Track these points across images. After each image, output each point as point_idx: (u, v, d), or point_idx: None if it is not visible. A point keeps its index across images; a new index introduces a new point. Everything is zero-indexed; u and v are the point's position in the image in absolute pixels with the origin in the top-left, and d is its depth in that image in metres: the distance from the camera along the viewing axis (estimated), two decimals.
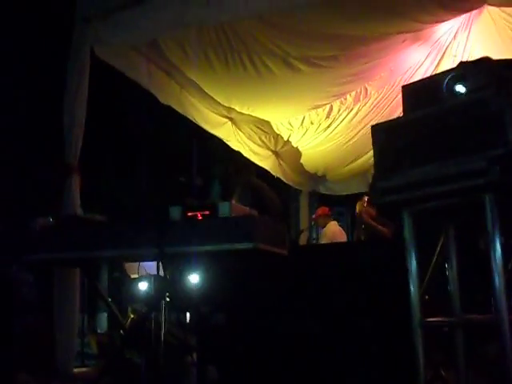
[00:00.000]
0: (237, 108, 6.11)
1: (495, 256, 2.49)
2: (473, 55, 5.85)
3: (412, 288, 2.81)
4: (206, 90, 5.63)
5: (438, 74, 3.04)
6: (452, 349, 3.06)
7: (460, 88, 2.80)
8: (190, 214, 3.07)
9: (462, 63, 2.97)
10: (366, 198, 6.84)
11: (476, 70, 2.77)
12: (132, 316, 5.56)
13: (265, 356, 3.80)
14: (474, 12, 5.30)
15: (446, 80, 2.85)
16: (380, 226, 6.53)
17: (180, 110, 5.58)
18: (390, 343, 3.73)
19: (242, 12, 3.98)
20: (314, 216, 8.15)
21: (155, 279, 5.41)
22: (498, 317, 2.45)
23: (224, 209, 2.98)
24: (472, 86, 2.74)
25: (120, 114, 8.02)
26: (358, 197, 8.63)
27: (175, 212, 3.10)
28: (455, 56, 5.97)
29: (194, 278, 4.72)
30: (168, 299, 4.60)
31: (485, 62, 2.78)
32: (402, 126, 2.92)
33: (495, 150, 2.49)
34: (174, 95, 5.47)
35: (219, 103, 5.96)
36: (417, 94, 3.02)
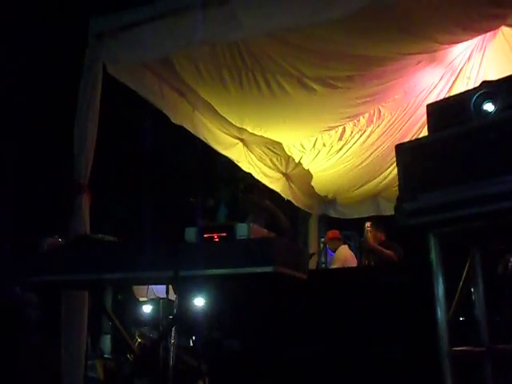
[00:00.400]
0: (249, 129, 6.02)
1: None
2: (487, 77, 5.75)
3: (439, 314, 2.67)
4: (219, 111, 5.54)
5: (465, 92, 2.94)
6: (479, 377, 2.94)
7: (488, 106, 2.70)
8: (206, 235, 2.95)
9: (486, 82, 2.87)
10: (368, 224, 6.79)
11: (506, 88, 2.67)
12: (139, 340, 5.44)
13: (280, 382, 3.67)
14: (489, 34, 5.23)
15: (474, 98, 2.76)
16: (387, 250, 6.46)
17: (192, 131, 5.49)
18: (407, 369, 3.61)
19: (258, 30, 3.90)
20: (323, 239, 8.05)
21: (164, 303, 5.32)
22: None
23: (242, 230, 2.86)
24: (502, 103, 2.64)
25: (128, 132, 7.95)
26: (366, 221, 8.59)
27: (191, 233, 2.98)
28: (469, 78, 5.89)
29: (202, 302, 4.60)
30: (177, 323, 4.48)
31: None
32: (429, 146, 2.81)
33: None
34: (187, 115, 5.38)
35: (231, 124, 5.87)
36: (442, 112, 2.91)
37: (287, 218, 5.15)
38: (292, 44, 4.49)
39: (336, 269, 6.85)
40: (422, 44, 4.70)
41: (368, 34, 4.40)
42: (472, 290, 3.04)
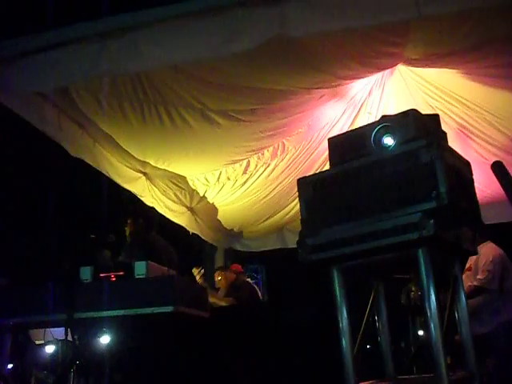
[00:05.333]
0: (152, 162, 5.88)
1: (431, 309, 2.41)
2: (386, 112, 5.93)
3: (344, 347, 2.65)
4: (121, 143, 5.37)
5: (365, 126, 2.98)
6: None
7: (388, 140, 2.74)
8: (102, 274, 2.81)
9: (385, 116, 2.92)
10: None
11: (404, 122, 2.72)
12: None
13: None
14: (387, 71, 5.41)
15: (374, 132, 2.79)
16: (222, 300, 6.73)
17: (93, 164, 5.26)
18: None
19: (161, 61, 3.80)
20: None
21: (63, 345, 5.01)
22: (437, 374, 2.34)
23: (140, 269, 2.74)
24: (401, 138, 2.69)
25: (23, 165, 7.56)
26: (273, 253, 8.66)
27: (86, 273, 2.83)
28: (370, 113, 6.07)
29: (105, 342, 4.37)
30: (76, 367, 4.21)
31: (413, 114, 2.74)
32: (330, 180, 2.81)
33: (428, 204, 2.42)
34: (87, 148, 5.16)
35: (133, 157, 5.71)
36: (343, 146, 2.93)
37: (173, 250, 5.04)
38: (195, 77, 4.43)
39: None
40: (323, 78, 4.77)
41: (271, 67, 4.42)
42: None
